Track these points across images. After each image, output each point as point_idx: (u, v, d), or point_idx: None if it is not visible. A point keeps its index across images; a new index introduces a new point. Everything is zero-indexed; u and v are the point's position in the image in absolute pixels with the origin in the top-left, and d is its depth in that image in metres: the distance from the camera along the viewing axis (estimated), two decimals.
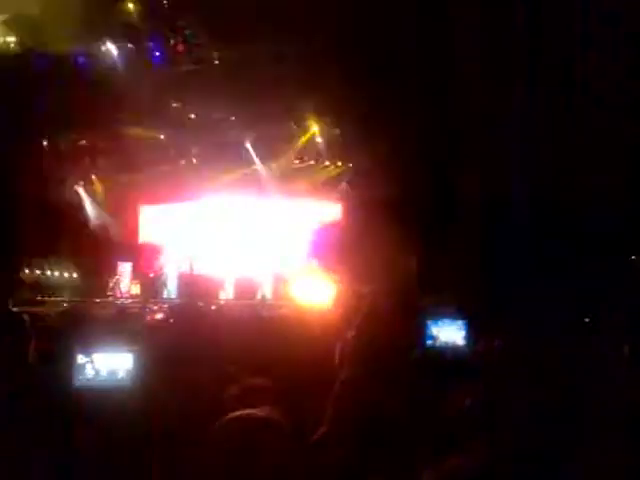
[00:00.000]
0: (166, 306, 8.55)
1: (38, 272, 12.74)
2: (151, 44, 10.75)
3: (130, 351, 2.34)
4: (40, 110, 11.16)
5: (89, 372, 2.31)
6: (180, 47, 10.91)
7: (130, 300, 11.59)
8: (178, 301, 11.36)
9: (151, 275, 12.52)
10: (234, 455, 1.90)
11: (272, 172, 13.63)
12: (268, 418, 2.04)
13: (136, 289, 12.60)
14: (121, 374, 2.31)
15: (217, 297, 12.02)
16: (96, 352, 2.32)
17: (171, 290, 12.62)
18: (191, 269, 13.23)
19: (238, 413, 2.00)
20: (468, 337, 2.37)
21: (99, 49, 10.71)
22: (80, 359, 2.30)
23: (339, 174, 13.64)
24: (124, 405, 2.24)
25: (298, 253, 12.89)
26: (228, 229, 13.77)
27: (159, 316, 3.43)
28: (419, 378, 2.23)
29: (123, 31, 10.70)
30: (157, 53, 10.84)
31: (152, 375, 2.35)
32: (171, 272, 12.91)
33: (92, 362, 2.30)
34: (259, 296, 12.22)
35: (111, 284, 12.42)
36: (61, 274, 12.97)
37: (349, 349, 2.79)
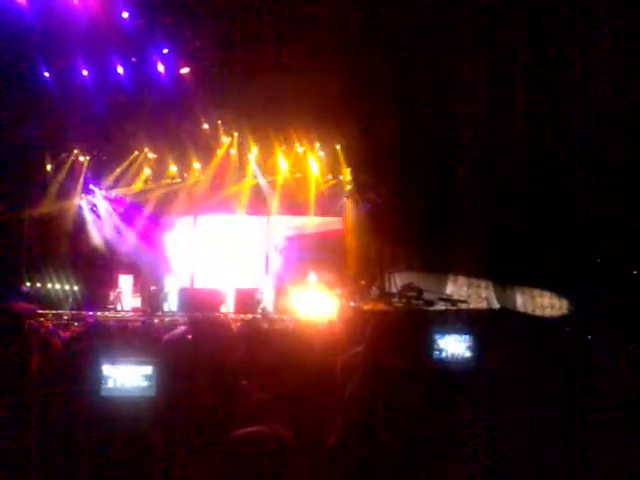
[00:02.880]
0: (183, 319, 8.58)
1: (39, 285, 12.74)
2: (154, 59, 10.84)
3: (151, 363, 2.39)
4: (45, 124, 11.24)
5: (112, 383, 2.35)
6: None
7: (131, 313, 11.59)
8: (180, 315, 11.35)
9: (152, 288, 12.54)
10: (242, 471, 1.93)
11: (274, 185, 13.72)
12: (276, 434, 2.07)
13: (136, 302, 12.62)
14: (142, 385, 2.35)
15: (218, 310, 12.01)
16: (120, 363, 2.37)
17: (172, 304, 12.63)
18: (192, 283, 13.27)
19: (246, 430, 2.03)
20: (474, 350, 2.41)
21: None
22: (106, 370, 2.34)
23: (340, 187, 13.71)
24: (143, 415, 2.27)
25: (297, 267, 12.91)
26: (227, 243, 13.81)
27: (179, 329, 3.45)
28: (425, 390, 2.26)
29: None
30: (161, 69, 10.94)
31: (170, 387, 2.39)
32: (172, 286, 12.95)
33: (116, 373, 2.35)
34: (259, 309, 12.22)
35: (112, 297, 12.45)
36: (62, 287, 12.97)
37: (357, 364, 2.81)
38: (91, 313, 10.70)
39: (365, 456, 2.14)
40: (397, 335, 2.44)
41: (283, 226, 13.81)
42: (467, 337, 2.39)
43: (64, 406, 2.38)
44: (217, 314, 10.64)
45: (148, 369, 2.38)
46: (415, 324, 2.46)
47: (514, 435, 2.50)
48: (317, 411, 2.70)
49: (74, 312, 10.89)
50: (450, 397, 2.34)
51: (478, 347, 2.38)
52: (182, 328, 3.42)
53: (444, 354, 2.38)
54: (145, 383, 2.37)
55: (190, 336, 3.08)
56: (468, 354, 2.38)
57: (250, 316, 11.03)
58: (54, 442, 2.36)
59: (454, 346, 2.38)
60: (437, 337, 2.37)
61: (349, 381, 2.72)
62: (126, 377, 2.37)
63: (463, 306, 11.32)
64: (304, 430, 2.42)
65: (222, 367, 2.58)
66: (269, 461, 1.95)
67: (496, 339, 2.56)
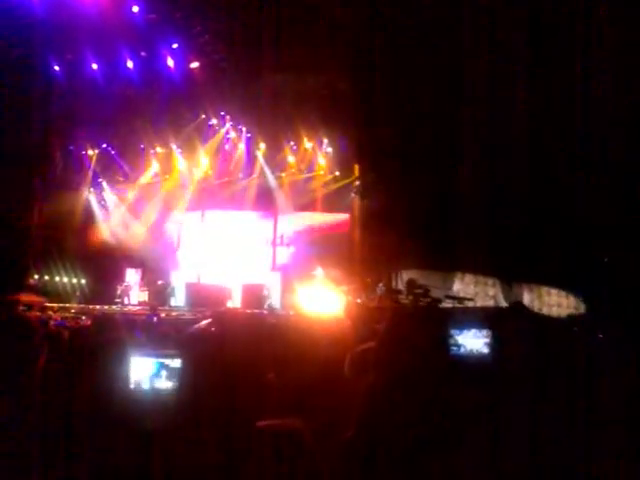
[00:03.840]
0: (191, 314, 8.57)
1: (47, 277, 12.79)
2: (164, 54, 10.85)
3: (179, 356, 2.39)
4: (53, 118, 11.27)
5: (139, 377, 2.36)
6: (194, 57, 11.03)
7: (138, 307, 11.62)
8: (187, 309, 11.39)
9: (159, 283, 12.56)
10: (263, 463, 1.95)
11: (282, 182, 13.72)
12: (295, 428, 2.09)
13: (144, 296, 12.64)
14: (173, 378, 2.36)
15: (224, 305, 12.02)
16: (150, 357, 2.37)
17: (179, 298, 12.66)
18: (198, 278, 13.28)
19: (266, 423, 2.05)
20: (492, 346, 2.40)
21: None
22: (135, 363, 2.34)
23: (348, 184, 13.68)
24: (170, 408, 2.28)
25: (304, 262, 12.90)
26: (235, 239, 13.82)
27: (203, 323, 3.44)
28: (443, 386, 2.25)
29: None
30: (170, 64, 10.94)
31: (197, 380, 2.39)
32: (179, 280, 12.97)
33: (143, 367, 2.35)
34: (266, 305, 12.23)
35: (119, 291, 12.47)
36: (70, 280, 13.01)
37: (366, 360, 2.81)
38: (98, 307, 10.74)
39: (381, 451, 2.15)
40: (412, 331, 2.43)
41: (290, 222, 13.81)
42: (485, 332, 2.37)
43: (83, 400, 2.38)
44: (240, 309, 10.69)
45: (177, 362, 2.38)
46: (431, 321, 2.45)
47: (530, 432, 2.49)
48: (326, 405, 2.70)
49: (82, 306, 10.94)
50: (466, 393, 2.33)
51: (496, 343, 2.36)
52: (205, 322, 3.42)
53: (462, 350, 2.37)
54: (173, 377, 2.37)
55: (214, 329, 3.07)
56: (486, 350, 2.37)
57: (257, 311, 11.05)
58: (69, 438, 2.36)
59: (472, 342, 2.37)
60: (455, 333, 2.36)
61: (358, 377, 2.72)
62: (155, 371, 2.37)
63: (470, 304, 11.31)
64: (316, 423, 2.43)
65: (248, 361, 2.58)
66: (288, 454, 1.97)
67: (512, 336, 2.56)
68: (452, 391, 2.38)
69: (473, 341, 2.38)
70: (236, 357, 2.51)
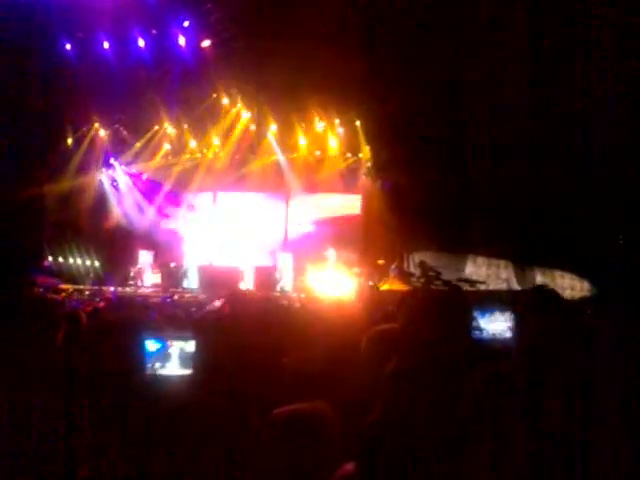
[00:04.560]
0: (203, 297, 8.60)
1: (61, 260, 12.85)
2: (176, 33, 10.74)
3: (194, 338, 2.35)
4: (65, 98, 11.23)
5: (159, 359, 2.33)
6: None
7: (151, 289, 11.67)
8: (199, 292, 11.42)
9: (172, 265, 12.59)
10: (286, 449, 1.91)
11: (293, 163, 13.64)
12: (314, 412, 2.05)
13: (157, 278, 12.68)
14: (187, 361, 2.33)
15: (237, 288, 12.03)
16: (165, 339, 2.34)
17: (191, 281, 12.68)
18: (210, 260, 13.30)
19: (288, 408, 2.01)
20: (515, 330, 2.34)
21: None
22: (151, 346, 2.31)
23: (360, 165, 13.57)
24: (187, 392, 2.25)
25: (316, 244, 12.87)
26: (246, 220, 13.81)
27: (216, 304, 3.41)
28: (466, 370, 2.21)
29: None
30: (182, 42, 10.84)
31: (211, 363, 2.36)
32: (191, 263, 12.99)
33: (164, 349, 2.32)
34: (278, 287, 12.23)
35: (132, 273, 12.52)
36: (83, 262, 13.07)
37: (384, 340, 2.77)
38: (112, 289, 10.79)
39: (407, 434, 2.11)
40: (437, 316, 2.38)
41: (302, 203, 13.75)
42: (508, 315, 2.31)
43: (103, 383, 2.35)
44: (252, 291, 10.69)
45: (190, 345, 2.35)
46: (456, 305, 2.39)
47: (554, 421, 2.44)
48: (340, 388, 2.67)
49: (96, 287, 11.00)
50: (489, 377, 2.29)
51: (519, 327, 2.31)
52: (218, 302, 3.38)
53: (484, 334, 2.31)
54: (186, 360, 2.34)
55: (227, 311, 3.04)
56: (508, 334, 2.31)
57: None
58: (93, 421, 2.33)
59: (494, 326, 2.31)
60: (478, 316, 2.29)
61: (375, 358, 2.68)
62: (171, 354, 2.34)
63: (482, 287, 11.25)
64: (333, 407, 2.40)
65: (262, 344, 2.55)
66: (312, 439, 1.93)
67: (538, 321, 2.50)
68: (475, 380, 2.34)
69: (495, 325, 2.33)
70: (250, 341, 2.48)
